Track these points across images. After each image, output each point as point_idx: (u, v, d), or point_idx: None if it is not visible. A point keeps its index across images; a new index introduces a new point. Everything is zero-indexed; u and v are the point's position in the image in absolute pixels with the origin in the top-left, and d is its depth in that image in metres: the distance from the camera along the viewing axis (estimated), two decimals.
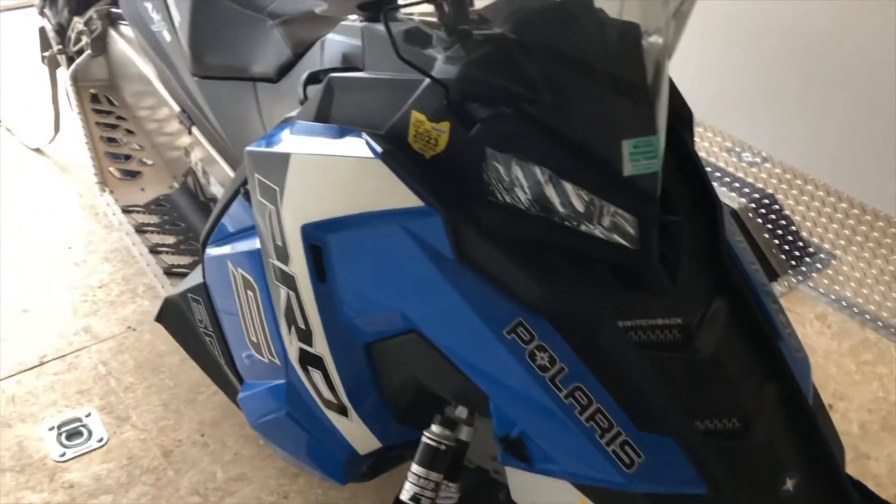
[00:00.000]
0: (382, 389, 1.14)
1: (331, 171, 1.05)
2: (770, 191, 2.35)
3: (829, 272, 2.20)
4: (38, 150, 2.50)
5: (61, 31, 2.17)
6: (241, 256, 1.24)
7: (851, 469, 1.65)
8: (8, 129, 2.59)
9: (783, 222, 2.30)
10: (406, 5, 1.00)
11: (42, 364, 1.78)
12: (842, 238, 2.20)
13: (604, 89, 0.97)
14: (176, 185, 1.90)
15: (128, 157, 2.00)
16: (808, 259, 2.25)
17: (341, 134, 1.06)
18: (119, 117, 2.05)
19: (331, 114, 1.12)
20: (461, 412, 1.10)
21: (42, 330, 1.87)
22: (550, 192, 0.98)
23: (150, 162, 1.97)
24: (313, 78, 1.21)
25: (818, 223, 2.28)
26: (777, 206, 2.32)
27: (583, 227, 0.98)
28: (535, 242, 0.98)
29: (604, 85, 0.97)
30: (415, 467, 1.05)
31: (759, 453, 0.98)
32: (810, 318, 2.10)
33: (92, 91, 2.08)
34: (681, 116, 1.15)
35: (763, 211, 2.30)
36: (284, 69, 1.45)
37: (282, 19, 1.49)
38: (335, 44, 1.30)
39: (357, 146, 1.02)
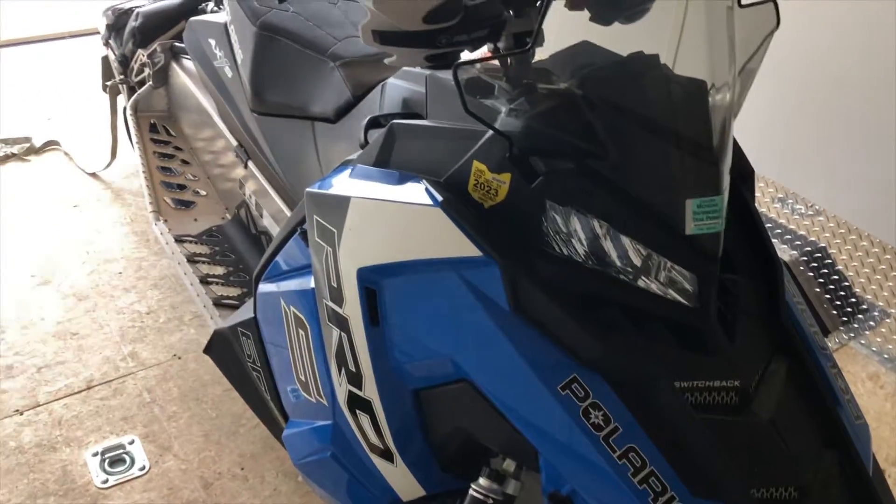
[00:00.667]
0: (429, 437, 1.13)
1: (390, 216, 1.06)
2: (822, 244, 2.31)
3: (883, 330, 2.15)
4: (93, 175, 2.56)
5: (125, 61, 2.23)
6: (295, 295, 1.24)
7: None
8: (66, 154, 2.66)
9: (835, 277, 2.25)
10: (475, 61, 1.00)
11: (89, 388, 1.81)
12: (894, 294, 2.15)
13: (669, 147, 0.97)
14: (228, 217, 1.93)
15: (182, 187, 2.04)
16: (860, 315, 2.20)
17: (401, 180, 1.07)
18: (176, 147, 2.10)
19: (391, 159, 1.13)
20: (509, 465, 1.08)
21: (90, 354, 1.90)
22: (609, 246, 0.97)
23: (203, 193, 2.01)
24: (374, 122, 1.22)
25: (871, 279, 2.23)
26: (829, 260, 2.27)
27: (641, 283, 0.97)
28: (593, 297, 0.97)
29: (669, 142, 0.97)
30: None
31: None
32: (862, 377, 2.04)
33: (151, 121, 2.13)
34: (742, 172, 1.15)
35: (815, 265, 2.26)
36: (343, 110, 1.47)
37: (343, 61, 1.51)
38: (396, 88, 1.31)
39: (417, 193, 1.03)
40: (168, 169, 2.05)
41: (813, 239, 2.32)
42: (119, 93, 2.35)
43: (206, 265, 1.79)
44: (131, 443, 1.68)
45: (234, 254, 1.83)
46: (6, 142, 2.66)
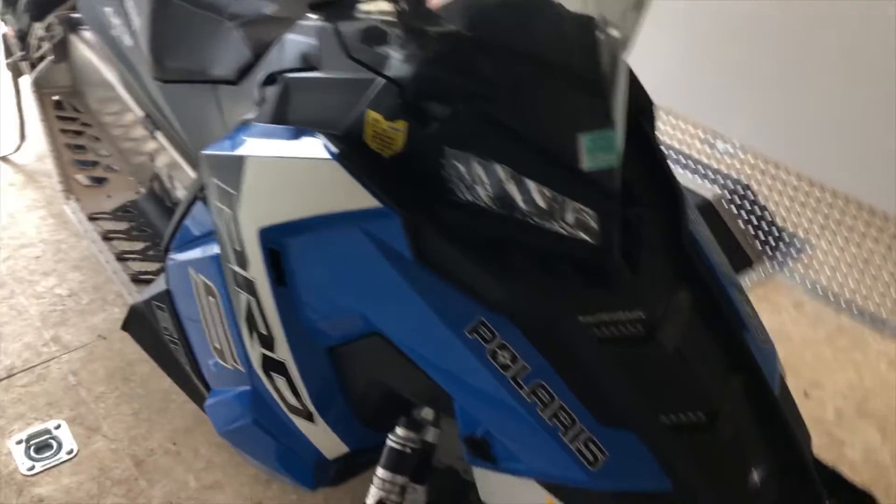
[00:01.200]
0: (347, 393, 1.13)
1: (287, 173, 1.03)
2: (744, 180, 2.35)
3: (805, 259, 2.21)
4: (3, 159, 2.46)
5: (23, 37, 2.14)
6: (202, 262, 1.22)
7: (828, 455, 1.66)
8: None
9: (758, 211, 2.30)
10: (353, 6, 0.98)
11: (10, 376, 1.76)
12: (816, 225, 2.20)
13: (559, 84, 0.96)
14: (142, 191, 1.88)
15: (94, 164, 1.98)
16: (783, 247, 2.25)
17: (297, 135, 1.05)
18: (84, 124, 2.02)
19: (287, 115, 1.10)
20: (427, 414, 1.09)
21: (9, 342, 1.84)
22: (511, 189, 0.97)
23: (116, 168, 1.95)
24: (270, 79, 1.19)
25: (793, 211, 2.28)
26: (752, 195, 2.32)
27: (545, 224, 0.97)
28: (497, 240, 0.97)
29: (559, 79, 0.96)
30: (380, 471, 1.04)
31: (725, 447, 0.97)
32: (787, 305, 2.10)
33: (55, 98, 2.05)
34: (641, 106, 1.15)
35: (738, 200, 2.30)
36: (244, 71, 1.43)
37: (241, 20, 1.47)
38: (293, 44, 1.28)
39: (313, 147, 1.01)
40: (78, 146, 1.98)
41: (735, 175, 2.35)
42: (22, 72, 2.26)
43: (122, 242, 1.75)
44: (58, 427, 1.64)
45: (149, 228, 1.79)
46: None
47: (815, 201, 2.18)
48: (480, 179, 0.96)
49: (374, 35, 1.04)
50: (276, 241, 1.06)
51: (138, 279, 1.66)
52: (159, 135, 1.71)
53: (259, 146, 1.08)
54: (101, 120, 2.02)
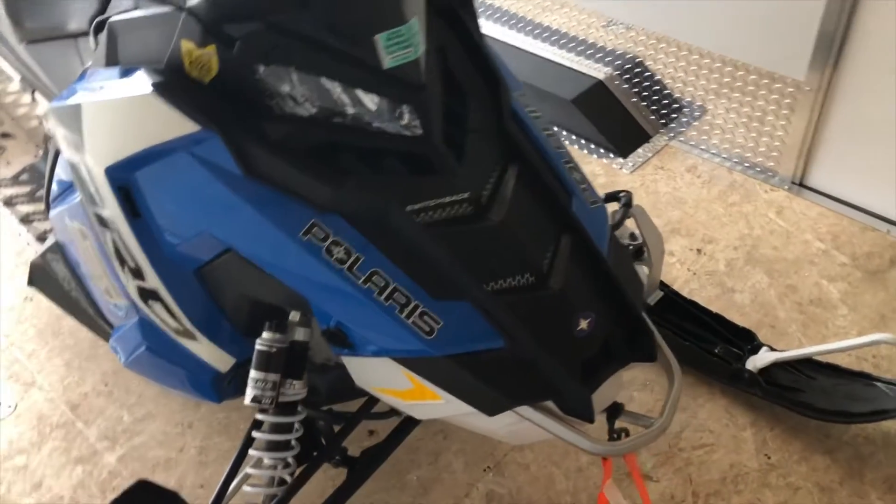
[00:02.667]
0: (223, 309, 1.21)
1: (116, 112, 1.09)
2: (639, 57, 2.40)
3: (698, 125, 2.28)
4: None
5: None
6: (72, 209, 1.28)
7: (719, 304, 1.78)
8: None
9: (651, 85, 2.36)
10: None
11: None
12: (709, 92, 2.27)
13: None
14: (40, 153, 1.93)
15: None
16: (678, 116, 2.32)
17: (124, 74, 1.10)
18: None
19: (118, 57, 1.15)
20: (294, 316, 1.17)
21: None
22: (326, 95, 1.02)
23: (11, 134, 1.99)
24: (100, 25, 1.23)
25: (686, 81, 2.34)
26: (644, 70, 2.37)
27: (366, 124, 1.04)
28: (323, 146, 1.04)
29: None
30: (252, 372, 1.13)
31: (551, 300, 1.06)
32: (681, 171, 2.19)
33: None
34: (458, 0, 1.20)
35: (629, 76, 2.36)
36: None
37: None
38: None
39: (136, 84, 1.06)
40: None
41: (629, 55, 2.40)
42: None
43: (25, 205, 1.81)
44: None
45: None
46: None
47: (707, 70, 2.23)
48: (291, 90, 1.02)
49: None
50: (122, 177, 1.12)
51: (44, 237, 1.73)
52: (38, 96, 1.75)
53: (92, 91, 1.13)
54: None
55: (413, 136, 1.05)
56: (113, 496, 1.40)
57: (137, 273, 1.19)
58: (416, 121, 1.05)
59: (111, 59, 1.15)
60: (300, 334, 1.17)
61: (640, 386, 1.67)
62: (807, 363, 1.60)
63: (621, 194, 1.63)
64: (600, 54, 2.41)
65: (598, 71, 2.35)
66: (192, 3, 1.01)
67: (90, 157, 1.14)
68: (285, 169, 1.01)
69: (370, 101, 1.03)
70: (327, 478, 1.38)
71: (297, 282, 1.05)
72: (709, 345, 1.66)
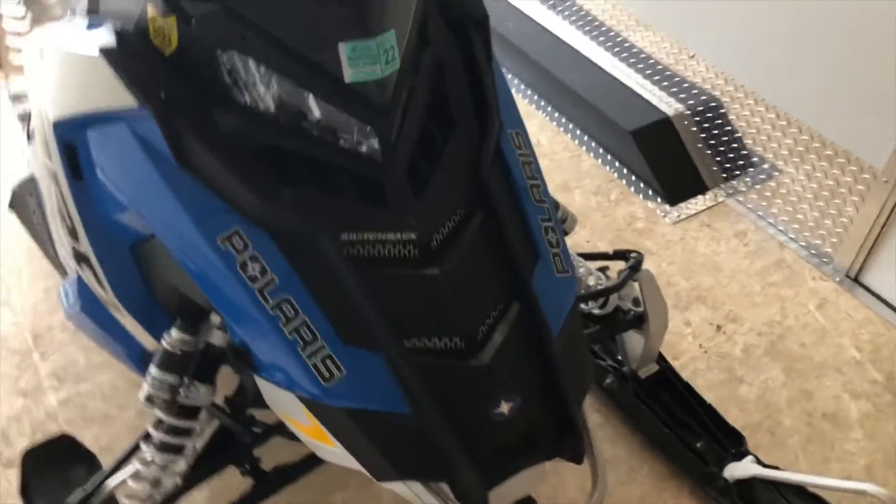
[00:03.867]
0: (152, 292, 1.15)
1: (72, 66, 1.02)
2: (713, 102, 2.20)
3: (760, 188, 2.09)
4: None
5: None
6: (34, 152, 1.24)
7: (720, 392, 1.63)
8: None
9: (723, 135, 2.16)
10: None
11: None
12: (781, 157, 2.06)
13: None
14: None
15: None
16: (744, 173, 2.13)
17: (91, 27, 1.02)
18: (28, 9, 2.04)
19: (99, 8, 1.08)
20: (216, 319, 1.09)
21: None
22: (281, 95, 0.93)
23: None
24: None
25: (759, 141, 2.13)
26: (720, 117, 2.17)
27: (325, 135, 0.94)
28: (274, 150, 0.94)
29: None
30: (152, 368, 1.06)
31: (475, 374, 0.95)
32: (729, 234, 2.00)
33: None
34: (473, 20, 1.08)
35: (700, 119, 2.17)
36: None
37: None
38: None
39: (92, 41, 0.99)
40: (19, 29, 2.00)
41: (707, 97, 2.20)
42: None
43: None
44: None
45: None
46: None
47: (783, 133, 2.03)
48: (248, 83, 0.93)
49: None
50: (69, 135, 1.06)
51: None
52: None
53: (60, 37, 1.07)
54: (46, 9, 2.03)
55: (372, 159, 0.94)
56: (39, 439, 1.38)
57: (73, 233, 1.13)
58: (377, 143, 0.94)
59: (92, 7, 1.08)
60: (217, 338, 1.09)
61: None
62: (792, 487, 1.44)
63: (632, 254, 1.49)
64: (675, 88, 2.22)
65: (669, 106, 2.17)
66: None
67: (46, 104, 1.08)
68: (218, 168, 0.93)
69: (330, 112, 0.93)
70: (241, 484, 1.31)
71: (209, 288, 0.97)
72: (691, 437, 1.51)
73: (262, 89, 0.93)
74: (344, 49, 0.90)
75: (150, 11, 0.95)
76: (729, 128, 2.16)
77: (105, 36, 0.97)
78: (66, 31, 1.07)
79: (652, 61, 2.30)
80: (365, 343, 0.93)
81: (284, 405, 1.01)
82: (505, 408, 0.96)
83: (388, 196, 0.95)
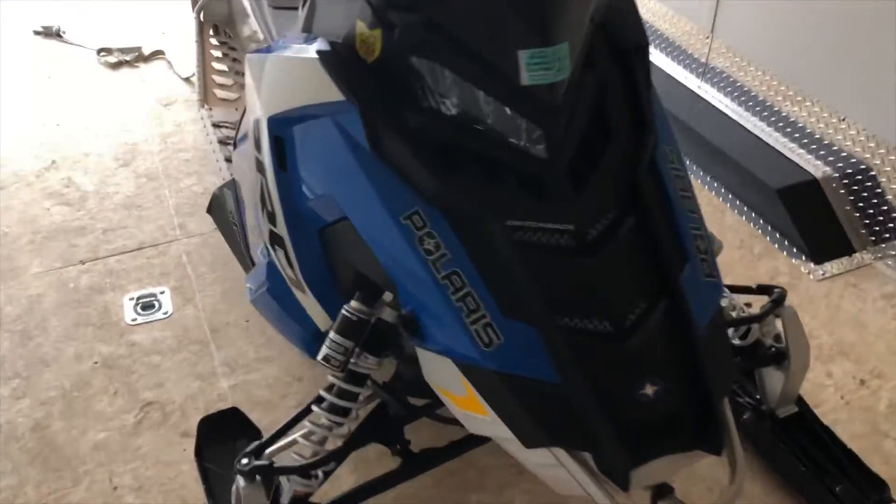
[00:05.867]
0: (334, 272, 1.30)
1: (288, 69, 1.21)
2: (862, 163, 2.20)
3: None
4: (187, 80, 2.88)
5: None
6: (246, 151, 1.44)
7: (861, 443, 1.61)
8: (168, 61, 3.00)
9: (872, 197, 2.15)
10: None
11: (140, 249, 2.12)
12: None
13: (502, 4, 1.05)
14: None
15: (232, 84, 2.29)
16: (893, 237, 2.10)
17: (308, 41, 1.22)
18: (231, 48, 2.34)
19: (313, 26, 1.28)
20: (387, 296, 1.22)
21: (147, 223, 2.21)
22: (465, 98, 1.07)
23: None
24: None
25: None
26: (870, 180, 2.17)
27: (496, 135, 1.07)
28: (452, 145, 1.08)
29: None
30: (331, 333, 1.19)
31: (623, 356, 1.03)
32: (875, 295, 1.98)
33: (214, 24, 2.39)
34: (636, 44, 1.20)
35: (849, 182, 2.17)
36: None
37: None
38: None
39: (310, 49, 1.18)
40: (221, 68, 2.30)
41: (855, 159, 2.21)
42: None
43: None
44: (162, 293, 1.97)
45: None
46: (122, 51, 3.04)
47: None
48: (441, 87, 1.08)
49: None
50: (279, 129, 1.24)
51: None
52: None
53: (279, 50, 1.27)
54: (245, 47, 2.33)
55: (538, 157, 1.06)
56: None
57: (272, 218, 1.30)
58: (544, 144, 1.06)
59: (307, 27, 1.28)
60: (388, 315, 1.21)
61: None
62: None
63: (776, 289, 1.52)
64: (823, 151, 2.24)
65: (817, 168, 2.19)
66: None
67: (261, 104, 1.27)
68: (405, 156, 1.07)
69: (505, 113, 1.06)
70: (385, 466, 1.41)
71: (389, 260, 1.10)
72: (829, 480, 1.49)
73: (447, 91, 1.07)
74: (523, 56, 1.03)
75: (359, 25, 1.13)
76: (879, 190, 2.15)
77: (315, 46, 1.16)
78: (284, 45, 1.28)
79: (801, 125, 2.33)
80: (522, 315, 1.02)
81: (442, 375, 1.12)
82: (650, 390, 1.03)
83: (551, 190, 1.06)
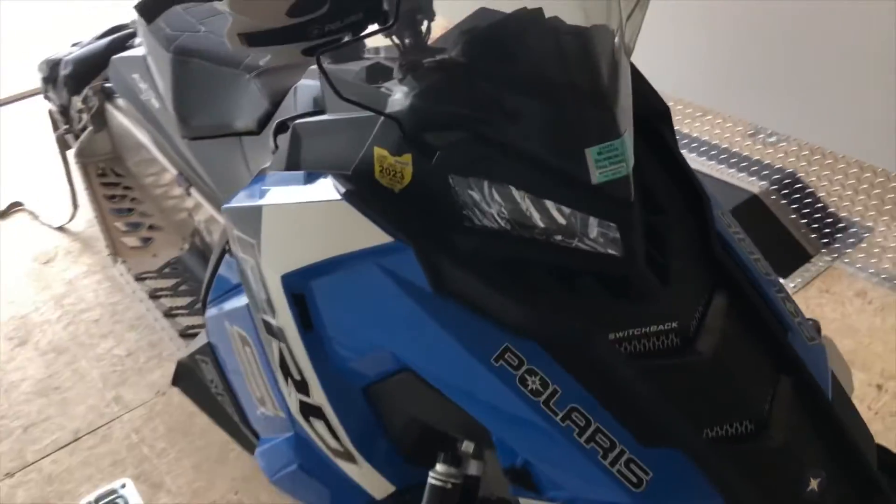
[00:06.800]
0: (387, 432, 1.12)
1: (301, 218, 1.04)
2: (794, 171, 2.26)
3: (865, 246, 2.11)
4: (60, 229, 2.56)
5: (65, 111, 2.23)
6: (235, 313, 1.23)
7: None
8: (31, 213, 2.66)
9: (811, 200, 2.21)
10: (333, 48, 0.97)
11: (77, 440, 1.81)
12: (873, 210, 2.11)
13: (558, 99, 0.94)
14: (185, 247, 1.92)
15: (138, 226, 2.03)
16: (841, 235, 2.16)
17: (309, 179, 1.05)
18: (126, 187, 2.09)
19: (300, 160, 1.11)
20: (468, 447, 1.07)
21: (74, 405, 1.90)
22: (521, 208, 0.95)
23: (159, 227, 2.00)
24: (281, 126, 1.21)
25: (849, 198, 2.19)
26: (801, 185, 2.23)
27: (564, 242, 0.95)
28: (515, 263, 0.95)
29: (558, 94, 0.95)
30: None
31: (777, 455, 0.92)
32: (849, 295, 2.01)
33: (100, 165, 2.13)
34: (657, 111, 1.12)
35: (787, 192, 2.22)
36: (264, 120, 1.45)
37: (257, 71, 1.49)
38: (306, 89, 1.30)
39: (324, 190, 1.01)
40: (122, 210, 2.05)
41: (784, 168, 2.27)
42: (68, 144, 2.35)
43: (168, 299, 1.79)
44: (123, 486, 1.67)
45: (195, 282, 1.83)
46: None
47: (869, 185, 2.08)
48: (492, 202, 0.95)
49: (372, 73, 1.05)
50: (299, 285, 1.06)
51: (187, 334, 1.69)
52: (193, 191, 1.75)
53: (274, 194, 1.09)
54: (141, 182, 2.08)
55: (613, 255, 0.95)
56: None
57: (302, 387, 1.11)
58: (618, 240, 0.95)
59: (292, 162, 1.12)
60: (473, 468, 1.06)
61: None
62: None
63: (808, 322, 1.48)
64: (754, 167, 2.29)
65: (752, 184, 2.23)
66: (393, 110, 0.97)
67: (266, 261, 1.08)
68: (478, 286, 0.93)
69: (569, 216, 0.95)
70: None
71: (483, 411, 0.95)
72: None
73: (502, 206, 0.95)
74: (591, 152, 0.93)
75: (379, 152, 0.99)
76: (815, 193, 2.21)
77: (330, 185, 1.00)
78: (275, 189, 1.10)
79: (716, 145, 2.38)
80: (663, 441, 0.90)
81: None
82: (814, 484, 0.93)
83: (638, 288, 0.96)
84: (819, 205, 2.20)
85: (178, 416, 1.83)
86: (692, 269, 1.02)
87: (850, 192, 2.15)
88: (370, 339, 1.03)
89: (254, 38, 0.93)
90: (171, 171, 1.81)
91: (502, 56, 0.97)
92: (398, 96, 0.98)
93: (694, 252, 1.04)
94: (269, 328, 1.12)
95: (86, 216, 2.54)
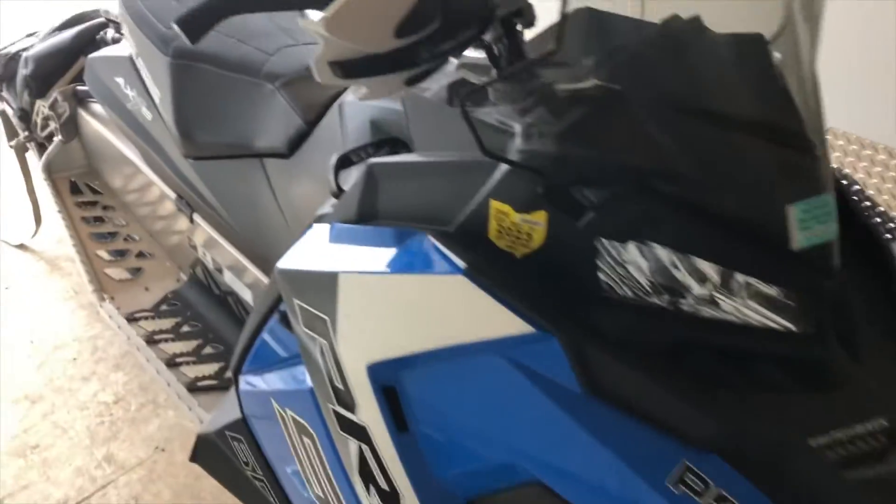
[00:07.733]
0: None
1: (398, 293, 0.80)
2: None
3: None
4: (21, 247, 2.25)
5: (25, 115, 1.92)
6: (290, 395, 0.99)
7: None
8: None
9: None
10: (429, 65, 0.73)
11: None
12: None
13: (755, 140, 0.73)
14: (184, 278, 1.65)
15: (124, 253, 1.75)
16: None
17: (399, 239, 0.82)
18: (105, 207, 1.80)
19: (378, 209, 0.87)
20: None
21: (58, 468, 1.62)
22: (694, 281, 0.73)
23: (150, 254, 1.72)
24: (344, 161, 0.96)
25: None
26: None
27: (735, 318, 0.74)
28: (678, 348, 0.74)
29: (754, 134, 0.73)
30: None
31: None
32: None
33: (71, 180, 1.83)
34: None
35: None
36: (296, 141, 1.20)
37: (283, 80, 1.24)
38: (357, 108, 1.06)
39: (426, 256, 0.78)
40: (103, 235, 1.76)
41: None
42: (27, 150, 2.04)
43: (170, 343, 1.52)
44: None
45: (199, 322, 1.56)
46: None
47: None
48: (650, 275, 0.73)
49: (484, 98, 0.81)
50: (390, 378, 0.83)
51: (196, 387, 1.43)
52: (197, 217, 1.48)
53: (351, 256, 0.85)
54: (124, 199, 1.79)
55: (799, 333, 0.74)
56: None
57: (391, 498, 0.88)
58: (805, 311, 0.74)
59: (366, 212, 0.88)
60: None
61: None
62: None
63: None
64: None
65: None
66: (529, 152, 0.74)
67: (346, 345, 0.85)
68: (642, 384, 0.71)
69: (764, 288, 0.74)
70: None
71: None
72: None
73: (666, 279, 0.73)
74: (795, 211, 0.71)
75: (499, 208, 0.76)
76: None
77: (431, 253, 0.77)
78: (352, 248, 0.86)
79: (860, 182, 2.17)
80: None
81: None
82: None
83: (833, 374, 0.75)
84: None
85: (185, 477, 1.58)
86: (886, 342, 0.82)
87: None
88: (488, 446, 0.81)
89: (352, 68, 0.69)
90: (168, 193, 1.54)
91: (668, 80, 0.75)
92: (530, 135, 0.75)
93: (882, 316, 0.84)
94: (346, 424, 0.88)
95: (50, 233, 2.25)
